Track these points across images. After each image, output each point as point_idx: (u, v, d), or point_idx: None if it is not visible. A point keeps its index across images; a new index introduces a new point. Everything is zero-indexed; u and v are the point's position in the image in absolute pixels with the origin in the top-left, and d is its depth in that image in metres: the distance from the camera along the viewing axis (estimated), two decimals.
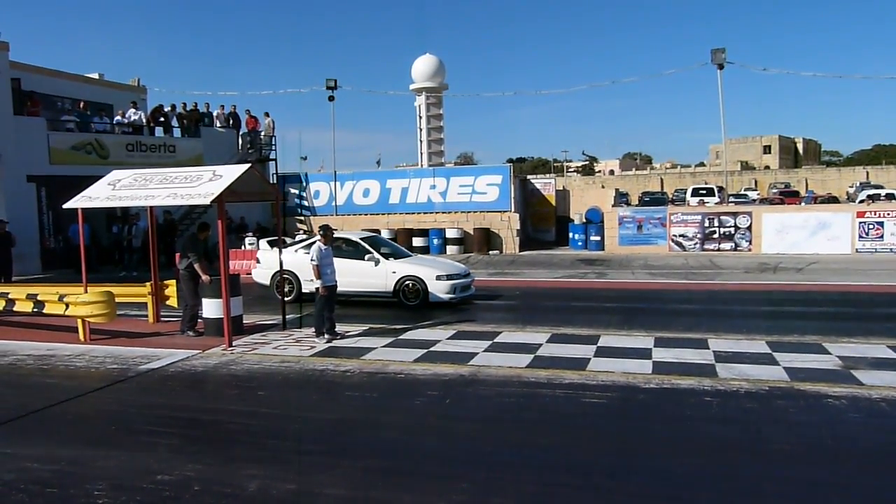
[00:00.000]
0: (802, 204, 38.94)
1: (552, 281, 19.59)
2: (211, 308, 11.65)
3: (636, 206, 39.55)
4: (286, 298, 14.66)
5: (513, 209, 28.21)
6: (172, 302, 13.24)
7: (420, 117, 45.49)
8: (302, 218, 30.82)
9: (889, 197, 35.57)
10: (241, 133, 30.81)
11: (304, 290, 15.06)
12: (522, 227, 28.74)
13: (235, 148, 30.11)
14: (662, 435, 6.88)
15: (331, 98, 33.97)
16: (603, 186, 53.99)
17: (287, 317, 12.82)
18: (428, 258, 18.52)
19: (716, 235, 25.31)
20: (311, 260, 11.43)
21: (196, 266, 11.71)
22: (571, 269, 21.86)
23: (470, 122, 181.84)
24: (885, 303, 14.78)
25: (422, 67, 45.13)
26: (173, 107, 28.91)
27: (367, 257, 14.82)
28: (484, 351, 10.27)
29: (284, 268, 14.31)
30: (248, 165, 12.31)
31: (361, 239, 15.63)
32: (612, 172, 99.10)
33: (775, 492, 5.48)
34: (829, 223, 24.17)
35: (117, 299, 11.95)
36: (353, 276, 14.52)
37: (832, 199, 45.29)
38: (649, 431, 6.98)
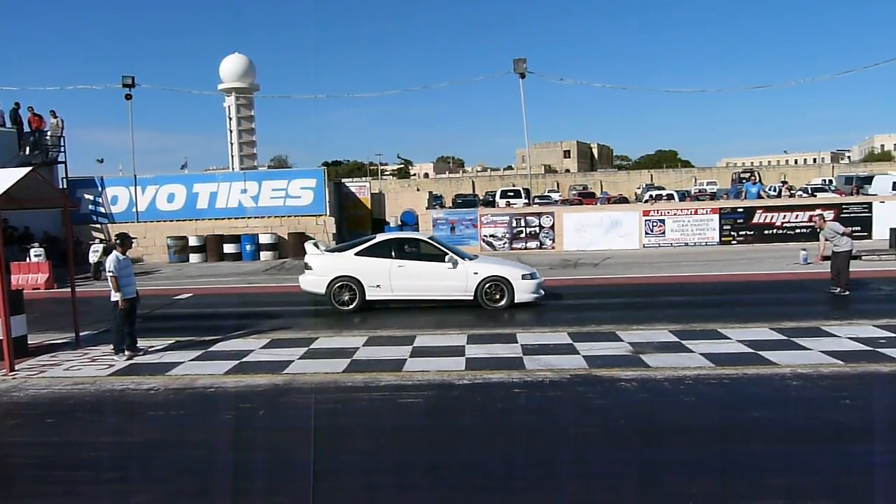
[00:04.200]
0: (598, 204, 42.29)
1: None
2: None
3: (450, 208, 40.81)
4: (348, 307, 13.91)
5: (328, 213, 27.99)
6: None
7: (230, 119, 43.52)
8: (98, 226, 28.41)
9: (669, 197, 39.60)
10: (23, 133, 27.74)
11: (367, 298, 14.00)
12: (338, 231, 28.59)
13: (17, 150, 27.09)
14: (476, 429, 7.15)
15: (128, 96, 31.55)
16: (418, 189, 55.12)
17: (81, 334, 11.74)
18: (498, 259, 16.91)
19: (523, 235, 26.76)
20: (109, 271, 10.56)
21: None
22: None
23: (284, 125, 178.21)
24: (668, 292, 16.42)
25: (230, 67, 43.22)
26: None
27: (446, 258, 13.92)
28: (299, 358, 10.07)
29: (346, 273, 13.87)
30: (28, 169, 11.12)
31: (430, 238, 14.83)
32: (426, 175, 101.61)
33: (577, 473, 5.90)
34: (621, 221, 26.47)
35: None
36: (427, 279, 13.89)
37: (623, 200, 49.64)
38: (464, 426, 7.22)
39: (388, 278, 13.96)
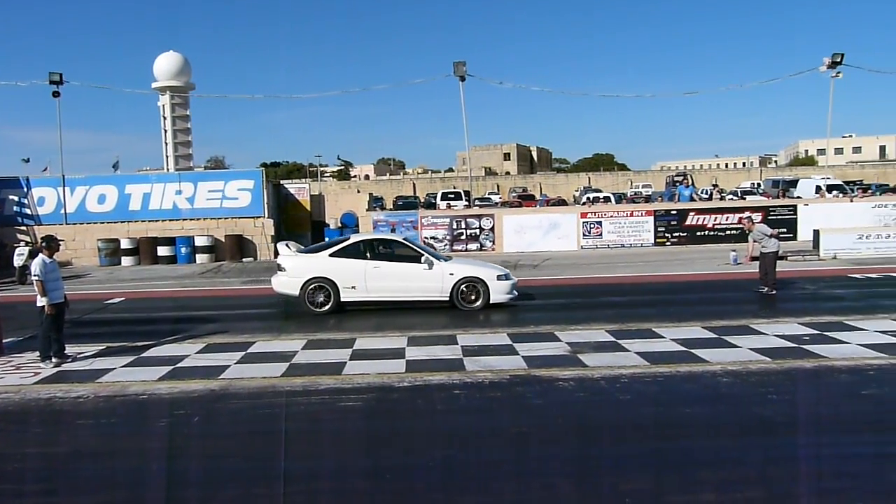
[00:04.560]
0: (537, 206, 42.81)
1: None
2: None
3: (390, 210, 40.66)
4: (323, 309, 13.58)
5: (266, 214, 27.56)
6: None
7: (164, 118, 42.48)
8: (24, 228, 27.27)
9: (606, 199, 40.38)
10: None
11: (342, 299, 13.72)
12: (277, 233, 28.17)
13: None
14: (417, 431, 7.14)
15: (55, 94, 30.47)
16: (358, 191, 54.65)
17: (5, 341, 11.22)
18: (472, 259, 16.92)
19: (463, 237, 26.92)
20: (35, 275, 10.16)
21: None
22: None
23: (221, 125, 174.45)
24: (605, 292, 16.73)
25: (165, 65, 42.18)
26: None
27: (422, 259, 13.76)
28: (236, 363, 9.87)
29: (321, 274, 13.61)
30: None
31: (405, 239, 14.67)
32: (367, 177, 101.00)
33: (516, 472, 5.96)
34: (559, 223, 26.90)
35: None
36: (403, 280, 13.70)
37: (561, 202, 50.27)
38: (403, 429, 7.21)
39: (363, 279, 13.81)
